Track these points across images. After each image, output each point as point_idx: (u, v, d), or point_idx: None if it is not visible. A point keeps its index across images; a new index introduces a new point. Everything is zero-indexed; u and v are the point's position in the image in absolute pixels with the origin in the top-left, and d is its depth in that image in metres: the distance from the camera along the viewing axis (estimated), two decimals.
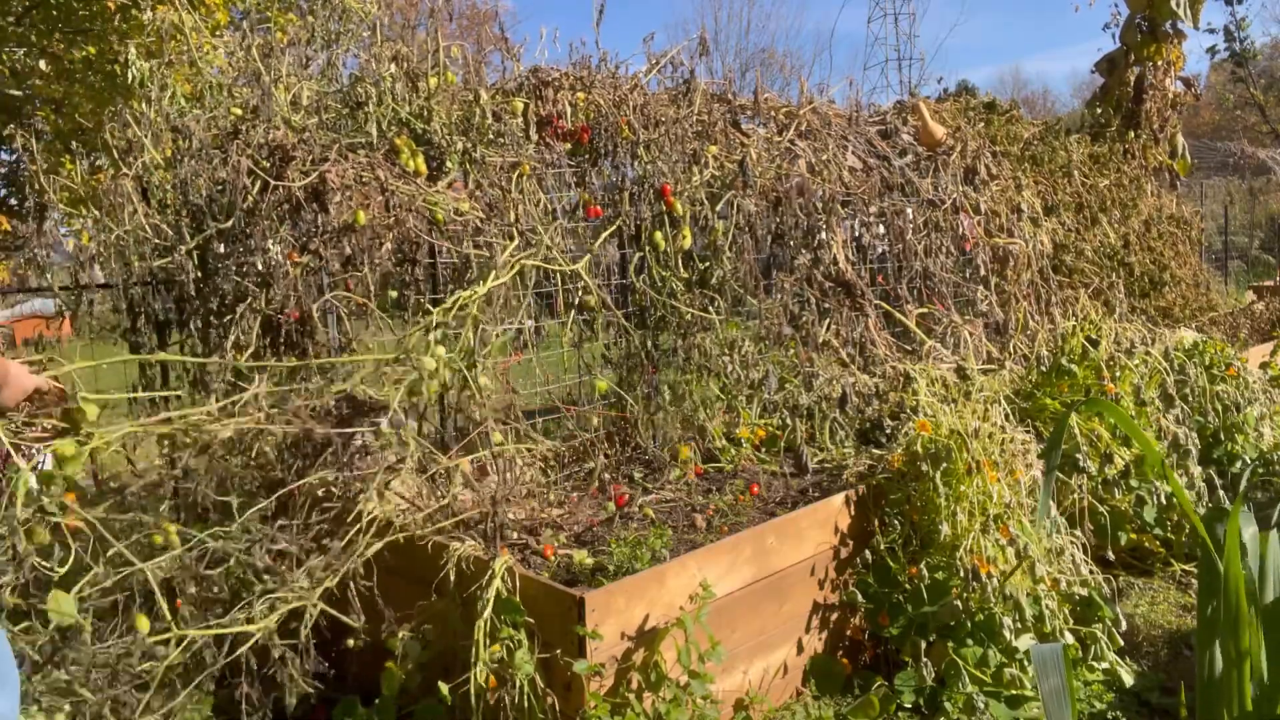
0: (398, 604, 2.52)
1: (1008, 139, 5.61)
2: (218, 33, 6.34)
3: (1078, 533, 3.28)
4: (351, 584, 2.45)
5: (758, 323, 4.01)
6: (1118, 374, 3.86)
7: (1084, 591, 3.06)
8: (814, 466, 3.47)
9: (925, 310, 4.51)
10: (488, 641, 2.37)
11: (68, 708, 2.11)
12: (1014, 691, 2.81)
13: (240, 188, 2.79)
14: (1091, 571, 3.13)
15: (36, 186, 3.10)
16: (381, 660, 2.52)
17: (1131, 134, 6.55)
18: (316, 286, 2.84)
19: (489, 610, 2.39)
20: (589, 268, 3.30)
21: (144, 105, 3.09)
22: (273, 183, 2.79)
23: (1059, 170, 5.79)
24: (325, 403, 2.65)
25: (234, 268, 2.86)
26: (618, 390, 3.59)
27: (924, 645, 2.87)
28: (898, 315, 4.35)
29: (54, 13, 8.25)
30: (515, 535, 2.89)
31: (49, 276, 3.15)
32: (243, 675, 2.30)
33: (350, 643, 2.51)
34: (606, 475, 3.42)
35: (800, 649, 2.93)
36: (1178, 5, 6.32)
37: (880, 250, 4.65)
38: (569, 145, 3.54)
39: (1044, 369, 3.98)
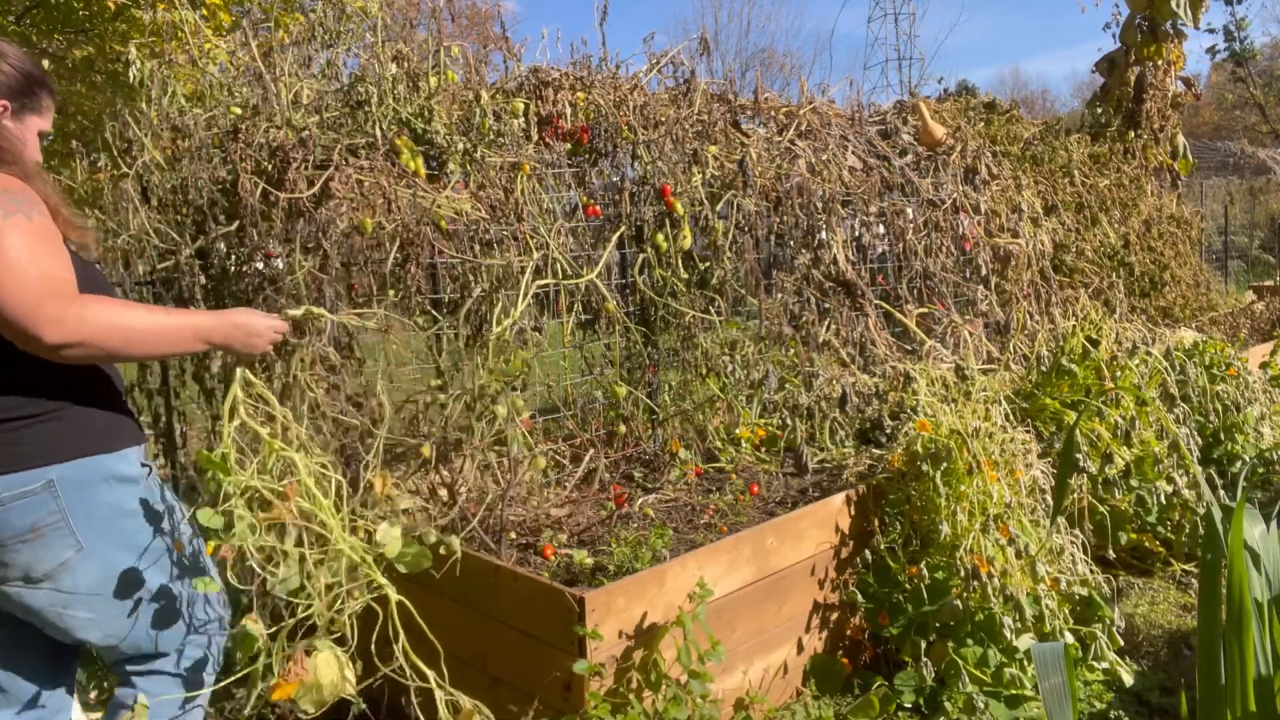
0: None
1: (1008, 139, 5.61)
2: (220, 33, 6.34)
3: (1078, 532, 3.28)
4: None
5: (758, 322, 4.00)
6: (1118, 374, 3.86)
7: (1084, 591, 3.07)
8: (814, 466, 3.47)
9: (925, 310, 4.51)
10: None
11: None
12: (1014, 691, 2.81)
13: (243, 190, 2.78)
14: (1091, 571, 3.14)
15: None
16: None
17: (1132, 134, 6.55)
18: (318, 287, 2.83)
19: None
20: (602, 276, 3.31)
21: (145, 104, 3.08)
22: (276, 194, 2.79)
23: (1059, 170, 5.79)
24: None
25: (234, 270, 2.86)
26: (631, 389, 3.59)
27: (924, 645, 2.87)
28: (898, 315, 4.35)
29: (54, 13, 8.27)
30: (515, 535, 2.89)
31: None
32: None
33: None
34: (606, 475, 3.42)
35: (800, 649, 2.93)
36: (1178, 5, 6.32)
37: (880, 250, 4.65)
38: (569, 145, 3.54)
39: (1044, 369, 3.98)
